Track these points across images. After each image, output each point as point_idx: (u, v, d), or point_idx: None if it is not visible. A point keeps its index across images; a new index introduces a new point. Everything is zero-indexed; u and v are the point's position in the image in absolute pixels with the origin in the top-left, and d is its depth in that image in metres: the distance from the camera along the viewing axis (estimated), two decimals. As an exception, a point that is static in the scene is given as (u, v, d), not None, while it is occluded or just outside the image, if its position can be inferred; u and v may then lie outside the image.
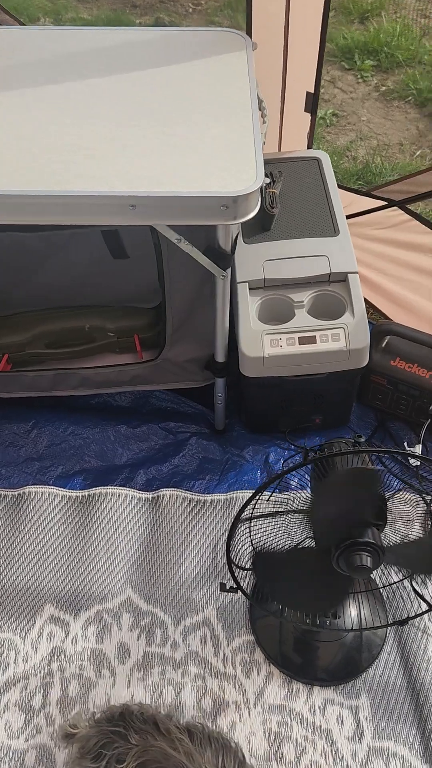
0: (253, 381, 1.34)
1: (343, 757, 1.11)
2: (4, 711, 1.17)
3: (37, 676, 1.21)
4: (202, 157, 1.02)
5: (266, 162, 1.16)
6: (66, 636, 1.25)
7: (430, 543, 1.03)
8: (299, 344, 1.28)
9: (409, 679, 1.18)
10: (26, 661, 1.22)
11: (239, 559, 1.07)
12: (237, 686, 1.19)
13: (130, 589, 1.30)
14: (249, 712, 1.16)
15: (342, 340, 1.28)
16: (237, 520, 0.98)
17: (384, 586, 1.16)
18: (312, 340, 1.28)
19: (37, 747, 1.13)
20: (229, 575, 1.18)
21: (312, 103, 1.46)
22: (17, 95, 1.13)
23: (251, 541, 1.03)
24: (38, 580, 1.31)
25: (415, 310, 1.56)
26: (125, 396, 1.60)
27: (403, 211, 1.57)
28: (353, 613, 1.19)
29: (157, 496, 1.43)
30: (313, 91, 1.44)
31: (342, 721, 1.14)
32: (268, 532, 1.04)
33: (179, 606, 1.28)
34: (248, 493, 1.43)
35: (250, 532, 1.01)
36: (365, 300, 1.35)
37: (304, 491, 1.01)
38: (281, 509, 1.02)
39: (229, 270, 1.13)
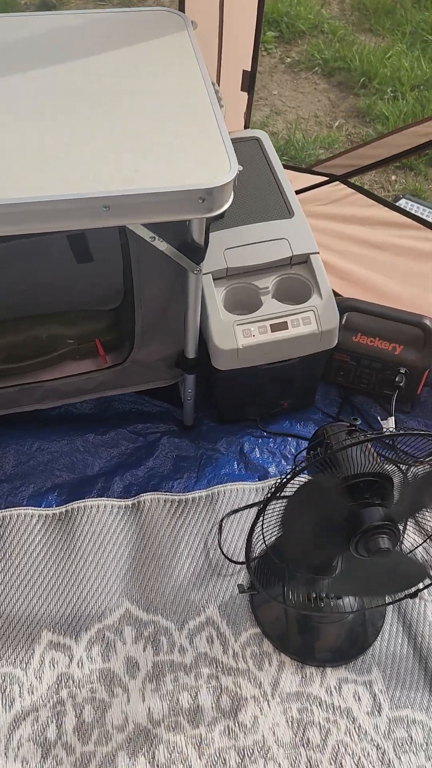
0: (225, 373, 1.31)
1: (366, 732, 1.13)
2: (18, 748, 1.11)
3: (46, 706, 1.15)
4: (170, 150, 0.97)
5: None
6: (71, 660, 1.19)
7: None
8: (272, 331, 1.27)
9: (415, 647, 1.22)
10: (32, 692, 1.16)
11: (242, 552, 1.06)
12: (252, 680, 1.19)
13: (128, 602, 1.26)
14: (268, 703, 1.16)
15: (313, 322, 1.28)
16: (259, 515, 0.96)
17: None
18: (284, 326, 1.27)
19: (60, 781, 1.08)
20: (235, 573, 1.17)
21: (249, 81, 1.43)
22: None
23: (263, 536, 1.01)
24: (29, 607, 1.24)
25: (366, 284, 1.58)
26: (86, 403, 1.53)
27: (345, 186, 1.58)
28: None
29: (138, 502, 1.39)
30: (249, 69, 1.40)
31: (359, 698, 1.17)
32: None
33: (180, 610, 1.26)
34: (229, 487, 1.42)
35: (262, 529, 1.00)
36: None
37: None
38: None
39: (202, 264, 1.09)
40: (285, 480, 0.89)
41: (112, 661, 1.20)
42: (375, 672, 1.20)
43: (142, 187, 0.91)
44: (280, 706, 1.16)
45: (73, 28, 1.18)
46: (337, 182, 1.58)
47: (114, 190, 0.90)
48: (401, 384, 1.45)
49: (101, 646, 1.21)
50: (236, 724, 1.14)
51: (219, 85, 1.45)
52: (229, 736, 1.13)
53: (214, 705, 1.16)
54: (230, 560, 1.31)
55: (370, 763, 1.11)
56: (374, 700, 1.17)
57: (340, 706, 1.16)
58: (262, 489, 1.42)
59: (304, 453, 1.43)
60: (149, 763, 1.10)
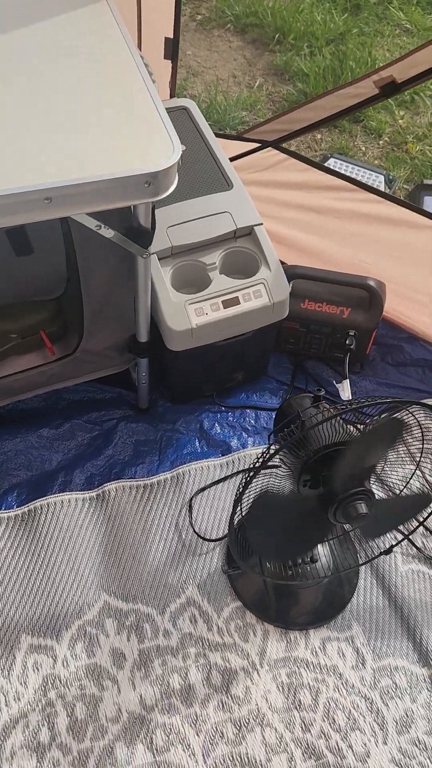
0: (180, 354, 1.29)
1: (353, 685, 1.18)
2: (12, 757, 1.10)
3: (35, 710, 1.13)
4: (108, 134, 0.92)
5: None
6: (55, 661, 1.18)
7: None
8: (224, 308, 1.25)
9: (390, 597, 1.27)
10: (18, 699, 1.14)
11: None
12: (239, 652, 1.21)
13: (105, 594, 1.25)
14: (258, 672, 1.19)
15: (264, 295, 1.27)
16: (239, 500, 0.96)
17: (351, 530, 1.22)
18: (236, 301, 1.26)
19: (60, 781, 1.08)
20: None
21: (172, 48, 1.37)
22: None
23: (241, 510, 1.02)
24: (4, 613, 1.21)
25: (307, 249, 1.58)
26: (36, 397, 1.47)
27: (278, 151, 1.56)
28: (327, 553, 1.24)
29: (102, 492, 1.36)
30: (172, 36, 1.35)
31: (343, 654, 1.21)
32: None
33: (159, 594, 1.26)
34: (194, 466, 1.42)
35: (241, 509, 1.00)
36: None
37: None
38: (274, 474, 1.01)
39: (151, 247, 1.06)
40: (263, 461, 0.89)
41: (97, 656, 1.19)
42: (355, 627, 1.24)
43: (86, 175, 0.86)
44: (269, 674, 1.19)
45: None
46: (270, 148, 1.55)
47: (56, 181, 0.85)
48: (352, 346, 1.47)
49: (84, 642, 1.20)
50: (229, 698, 1.16)
51: (141, 54, 1.39)
52: (223, 710, 1.15)
53: (205, 682, 1.18)
54: (203, 538, 1.32)
55: (360, 714, 1.16)
56: (357, 654, 1.21)
57: (326, 665, 1.20)
58: (227, 464, 1.43)
59: (272, 438, 1.44)
60: (148, 748, 1.11)
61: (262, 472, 0.95)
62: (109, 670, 1.18)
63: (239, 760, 1.10)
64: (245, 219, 1.30)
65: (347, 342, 1.48)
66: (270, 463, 0.93)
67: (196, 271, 1.28)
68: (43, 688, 1.15)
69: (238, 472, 1.42)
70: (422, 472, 1.14)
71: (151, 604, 1.25)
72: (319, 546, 1.23)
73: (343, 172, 1.90)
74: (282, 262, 1.59)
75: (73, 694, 1.15)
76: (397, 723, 1.15)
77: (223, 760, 1.10)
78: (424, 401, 1.52)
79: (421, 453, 1.07)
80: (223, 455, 1.44)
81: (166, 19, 1.31)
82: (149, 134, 0.93)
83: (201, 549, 1.31)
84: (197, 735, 1.13)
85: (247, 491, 0.95)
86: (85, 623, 1.22)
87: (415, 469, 1.11)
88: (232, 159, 1.59)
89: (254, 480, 0.94)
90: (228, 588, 1.27)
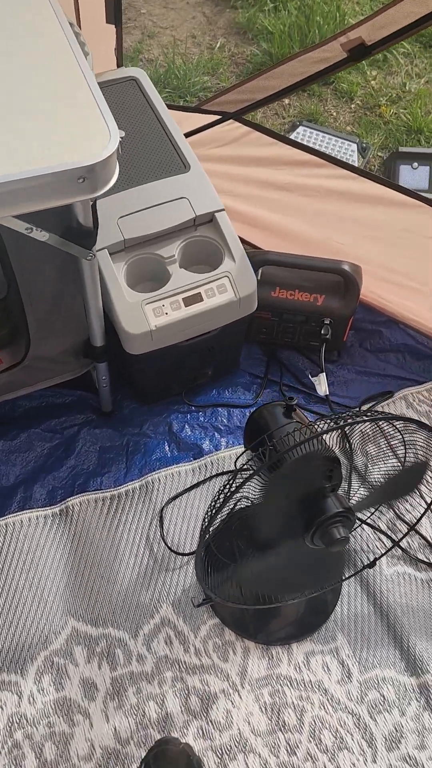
0: (141, 357, 1.18)
1: (339, 701, 1.12)
2: (-22, 806, 1.02)
3: (0, 753, 1.06)
4: (32, 122, 0.80)
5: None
6: (20, 698, 1.10)
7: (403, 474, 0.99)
8: (185, 306, 1.14)
9: (375, 604, 1.20)
10: (-17, 742, 1.07)
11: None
12: (219, 674, 1.14)
13: (72, 619, 1.17)
14: (239, 694, 1.12)
15: (229, 289, 1.16)
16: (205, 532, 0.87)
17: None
18: (198, 298, 1.14)
19: None
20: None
21: (114, 11, 1.23)
22: None
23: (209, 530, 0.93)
24: (-36, 649, 1.13)
25: (275, 229, 1.47)
26: (-12, 406, 1.36)
27: (240, 123, 1.42)
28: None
29: (66, 508, 1.27)
30: (114, -2, 1.20)
31: (328, 668, 1.15)
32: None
33: (131, 616, 1.18)
34: (164, 473, 1.32)
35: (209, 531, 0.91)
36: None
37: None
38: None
39: (95, 247, 0.94)
40: (227, 495, 0.80)
41: (66, 688, 1.11)
42: (340, 638, 1.17)
43: (7, 173, 0.74)
44: (251, 695, 1.12)
45: None
46: (231, 120, 1.42)
47: (-29, 181, 0.73)
48: (327, 336, 1.38)
49: (52, 674, 1.12)
50: (209, 723, 1.10)
51: (80, 19, 1.24)
52: (204, 738, 1.08)
53: (183, 708, 1.11)
54: (176, 553, 1.23)
55: (348, 731, 1.10)
56: (343, 666, 1.15)
57: (310, 681, 1.14)
58: (199, 468, 1.34)
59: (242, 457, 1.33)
60: (125, 785, 1.04)
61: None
62: (80, 703, 1.10)
63: (222, 792, 1.04)
64: (205, 205, 1.18)
65: (322, 331, 1.37)
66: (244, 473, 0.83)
67: (153, 266, 1.17)
68: (8, 729, 1.07)
69: (210, 477, 1.32)
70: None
71: (123, 627, 1.17)
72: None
73: (313, 141, 1.78)
74: (249, 245, 1.48)
75: (41, 734, 1.07)
76: (386, 739, 1.10)
77: (205, 794, 1.04)
78: (406, 390, 1.45)
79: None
80: (194, 459, 1.35)
81: (106, -22, 1.16)
82: (82, 121, 0.80)
83: (174, 563, 1.23)
84: (177, 766, 1.06)
85: (213, 522, 0.85)
86: (52, 653, 1.14)
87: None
88: (190, 133, 1.46)
89: (222, 508, 0.85)
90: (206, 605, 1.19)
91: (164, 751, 0.98)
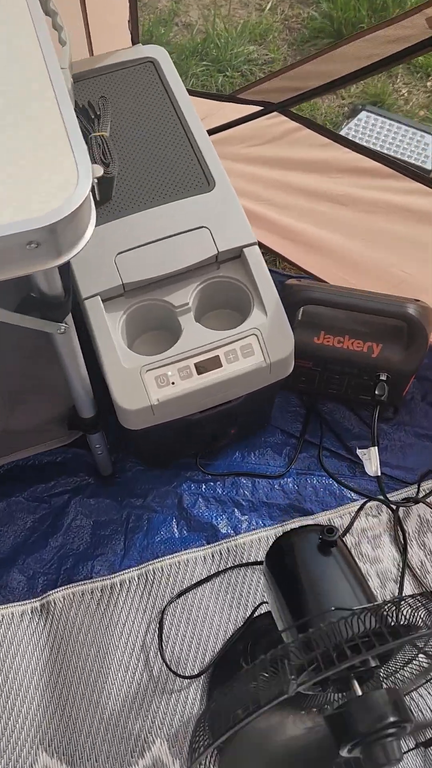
0: (140, 432, 0.92)
1: None
2: None
3: None
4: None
5: (76, 79, 0.75)
6: None
7: None
8: (198, 374, 0.86)
9: None
10: None
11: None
12: None
13: (43, 752, 0.94)
14: None
15: (257, 352, 0.88)
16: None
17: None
18: (215, 363, 0.87)
19: None
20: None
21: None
22: None
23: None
24: None
25: (319, 246, 1.17)
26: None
27: (286, 117, 1.11)
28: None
29: (47, 602, 1.03)
30: None
31: None
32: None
33: (115, 750, 0.94)
34: (168, 561, 1.07)
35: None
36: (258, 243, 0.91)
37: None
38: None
39: (69, 318, 0.67)
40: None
41: None
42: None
43: None
44: None
45: None
46: (276, 113, 1.11)
47: None
48: (383, 397, 1.08)
49: None
50: None
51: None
52: None
53: None
54: (176, 674, 0.99)
55: None
56: None
57: None
58: (212, 556, 1.08)
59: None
60: None
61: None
62: None
63: None
64: (232, 237, 0.89)
65: (377, 391, 1.08)
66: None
67: (159, 316, 0.89)
68: None
69: (225, 570, 1.07)
70: None
71: None
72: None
73: (377, 132, 1.45)
74: (287, 261, 1.18)
75: None
76: None
77: None
78: None
79: None
80: (207, 543, 1.09)
81: None
82: (38, 157, 0.53)
83: (174, 684, 0.99)
84: None
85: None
86: (15, 798, 0.92)
87: None
88: (221, 128, 1.15)
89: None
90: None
91: None
